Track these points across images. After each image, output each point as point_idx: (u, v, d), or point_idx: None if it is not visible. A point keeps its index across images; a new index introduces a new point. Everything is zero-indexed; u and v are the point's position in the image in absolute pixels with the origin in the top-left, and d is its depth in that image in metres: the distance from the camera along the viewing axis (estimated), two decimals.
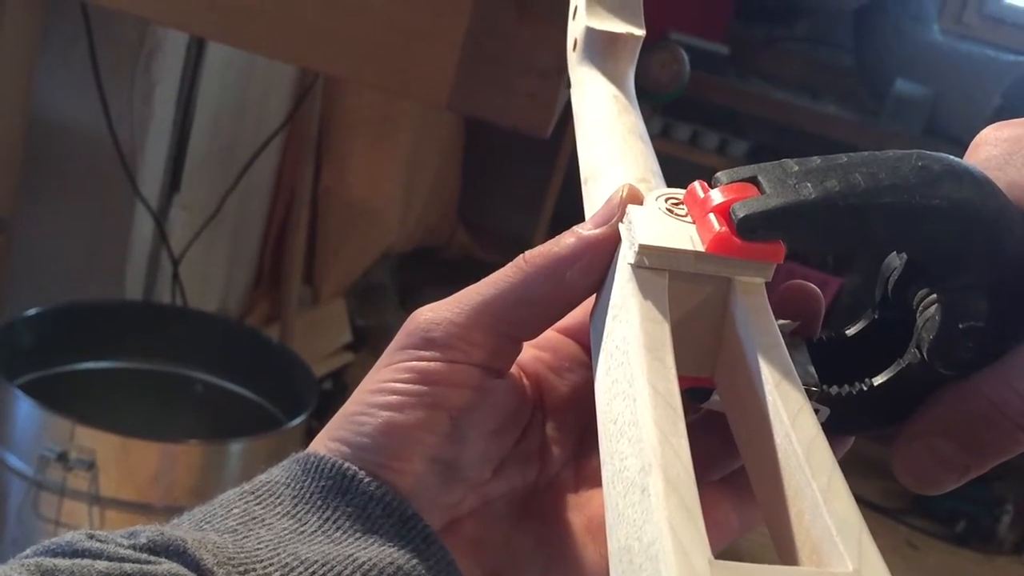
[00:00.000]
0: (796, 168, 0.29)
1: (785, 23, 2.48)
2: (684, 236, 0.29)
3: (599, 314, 0.30)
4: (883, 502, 2.12)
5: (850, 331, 0.34)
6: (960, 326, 0.29)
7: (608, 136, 0.37)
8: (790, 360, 0.27)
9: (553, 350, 0.36)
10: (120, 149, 1.34)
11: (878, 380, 0.31)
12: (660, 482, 0.23)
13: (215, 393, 1.37)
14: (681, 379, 0.32)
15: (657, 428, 0.24)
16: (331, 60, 0.86)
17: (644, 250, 0.29)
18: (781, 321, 0.33)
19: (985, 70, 2.11)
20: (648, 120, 1.25)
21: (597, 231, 0.31)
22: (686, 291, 0.29)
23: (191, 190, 1.54)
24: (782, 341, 0.28)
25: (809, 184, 0.28)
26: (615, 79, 0.41)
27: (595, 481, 0.35)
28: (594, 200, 0.34)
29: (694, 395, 0.32)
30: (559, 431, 0.35)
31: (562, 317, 0.33)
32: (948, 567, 1.99)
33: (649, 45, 0.47)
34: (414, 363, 0.32)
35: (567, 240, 0.32)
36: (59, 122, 1.37)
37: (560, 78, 0.85)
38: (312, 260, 2.08)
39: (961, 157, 0.30)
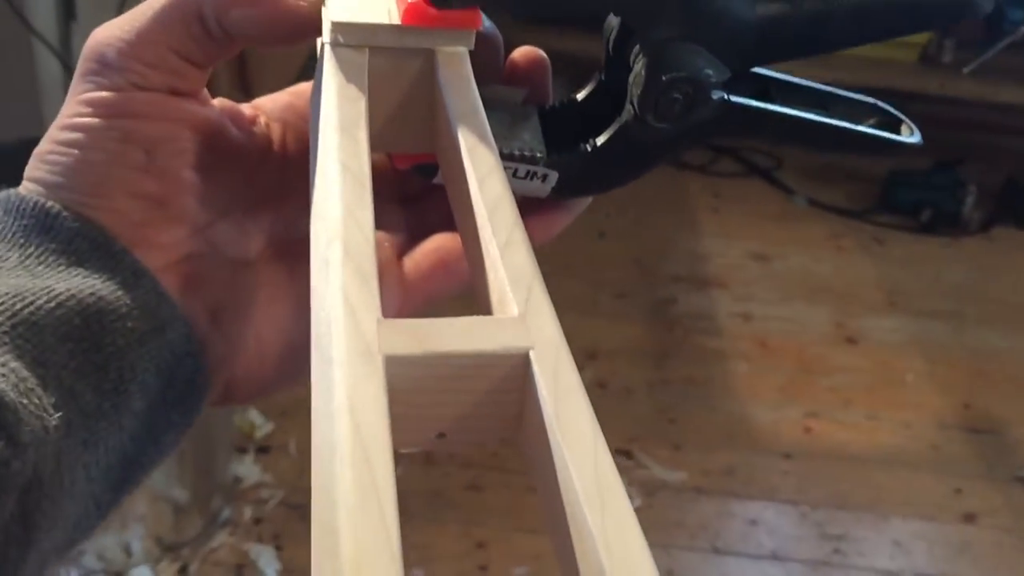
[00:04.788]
0: None
1: None
2: (382, 10, 0.29)
3: (313, 94, 0.30)
4: (849, 204, 2.16)
5: (579, 95, 0.34)
6: (663, 77, 0.30)
7: None
8: (487, 125, 0.28)
9: (307, 99, 0.35)
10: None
11: (600, 140, 0.32)
12: (339, 251, 0.23)
13: None
14: (407, 157, 0.33)
15: (343, 203, 0.25)
16: None
17: (337, 27, 0.29)
18: (510, 88, 0.33)
19: None
20: None
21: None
22: (394, 67, 0.29)
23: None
24: (481, 107, 0.28)
25: None
26: None
27: None
28: None
29: (423, 171, 0.33)
30: (300, 180, 0.34)
31: (233, 50, 0.31)
32: (915, 255, 2.05)
33: None
34: (94, 94, 0.30)
35: None
36: None
37: None
38: None
39: None
